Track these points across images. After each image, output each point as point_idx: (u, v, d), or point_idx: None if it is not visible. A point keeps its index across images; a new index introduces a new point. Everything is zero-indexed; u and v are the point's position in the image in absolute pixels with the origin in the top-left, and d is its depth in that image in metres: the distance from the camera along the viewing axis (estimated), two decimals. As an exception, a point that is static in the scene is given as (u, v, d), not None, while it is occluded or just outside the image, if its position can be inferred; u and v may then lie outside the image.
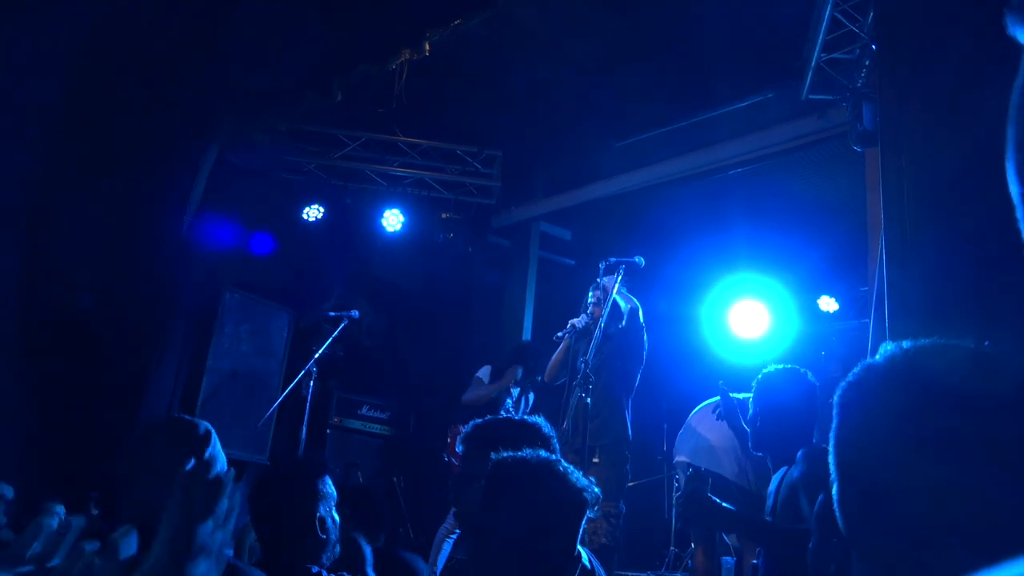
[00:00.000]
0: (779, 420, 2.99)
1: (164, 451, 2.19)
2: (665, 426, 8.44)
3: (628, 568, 6.05)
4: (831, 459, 1.04)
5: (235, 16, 5.52)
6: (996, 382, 0.92)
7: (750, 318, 7.29)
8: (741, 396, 4.97)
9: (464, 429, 2.42)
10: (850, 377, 1.05)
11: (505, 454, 1.80)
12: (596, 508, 1.75)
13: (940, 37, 2.68)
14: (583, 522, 1.72)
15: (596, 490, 1.76)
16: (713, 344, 7.54)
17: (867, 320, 7.32)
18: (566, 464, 1.77)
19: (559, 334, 5.40)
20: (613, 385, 5.02)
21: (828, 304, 8.72)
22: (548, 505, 1.70)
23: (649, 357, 8.32)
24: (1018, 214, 0.46)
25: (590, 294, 5.48)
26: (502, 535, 1.64)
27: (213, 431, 2.28)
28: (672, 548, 7.37)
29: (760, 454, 3.20)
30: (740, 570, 4.99)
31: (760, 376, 3.24)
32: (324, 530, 2.52)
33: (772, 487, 2.98)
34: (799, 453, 2.79)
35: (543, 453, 1.81)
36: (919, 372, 0.97)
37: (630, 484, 7.98)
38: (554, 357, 5.58)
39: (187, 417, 2.34)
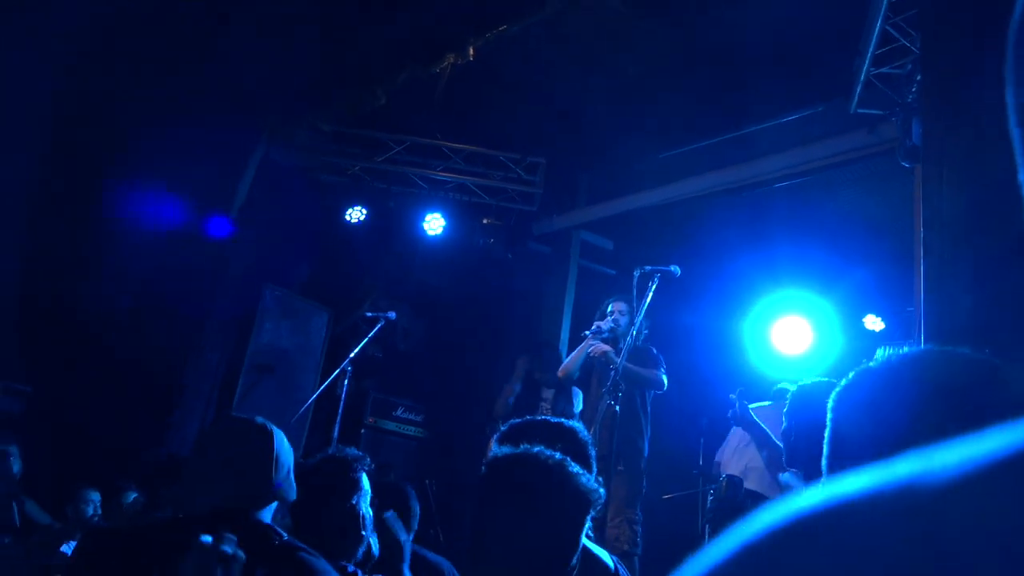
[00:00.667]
0: (814, 435, 2.91)
1: (244, 448, 2.26)
2: (702, 440, 8.34)
3: (658, 582, 5.98)
4: (825, 455, 1.02)
5: (283, 15, 5.59)
6: (997, 387, 0.89)
7: (793, 335, 7.18)
8: (754, 406, 4.94)
9: (501, 428, 2.41)
10: (847, 380, 1.02)
11: (501, 451, 1.77)
12: (597, 508, 1.72)
13: (983, 54, 2.61)
14: (587, 521, 1.69)
15: (601, 490, 1.73)
16: (755, 360, 7.43)
17: (913, 340, 7.18)
18: (568, 460, 1.73)
19: (585, 332, 5.58)
20: (635, 396, 5.07)
21: (874, 323, 8.56)
22: (552, 503, 1.67)
23: (688, 372, 8.26)
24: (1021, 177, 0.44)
25: (611, 304, 5.68)
26: (502, 534, 1.62)
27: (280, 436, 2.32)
28: (704, 564, 7.28)
29: (793, 470, 3.13)
30: None
31: (796, 389, 3.16)
32: (362, 526, 2.53)
33: None
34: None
35: (541, 449, 1.76)
36: (918, 373, 0.95)
37: (665, 497, 7.96)
38: (573, 354, 5.75)
39: (259, 419, 2.38)
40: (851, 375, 1.04)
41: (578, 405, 6.24)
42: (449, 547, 6.40)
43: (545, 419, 2.71)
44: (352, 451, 2.65)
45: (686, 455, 8.43)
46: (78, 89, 5.66)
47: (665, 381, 5.42)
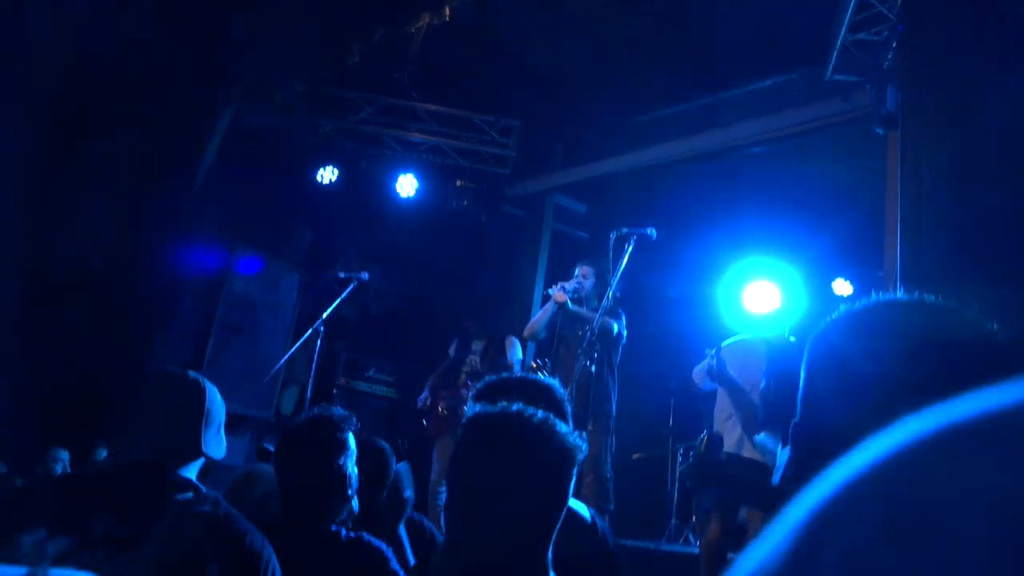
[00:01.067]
0: (794, 394, 2.90)
1: (173, 401, 2.24)
2: (672, 401, 8.47)
3: (630, 538, 6.08)
4: (800, 389, 1.04)
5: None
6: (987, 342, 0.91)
7: (764, 298, 7.25)
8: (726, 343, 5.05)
9: (477, 386, 2.41)
10: (828, 321, 1.04)
11: (481, 408, 1.77)
12: (579, 464, 1.73)
13: (965, 21, 2.63)
14: (573, 476, 1.70)
15: (584, 446, 1.74)
16: (727, 322, 7.50)
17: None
18: (551, 417, 1.73)
19: (548, 291, 5.66)
20: (604, 356, 5.14)
21: (843, 287, 8.68)
22: (539, 461, 1.67)
23: (660, 334, 8.33)
24: None
25: (578, 268, 5.74)
26: (491, 495, 1.63)
27: (212, 389, 2.31)
28: (674, 520, 7.42)
29: (767, 431, 3.16)
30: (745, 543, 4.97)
31: (776, 346, 3.18)
32: (348, 486, 2.53)
33: (782, 459, 2.90)
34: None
35: (522, 406, 1.75)
36: (901, 321, 0.96)
37: (635, 457, 8.07)
38: (538, 315, 5.81)
39: (193, 374, 2.36)
40: (828, 319, 1.05)
41: (516, 354, 6.23)
42: (420, 506, 6.45)
43: (522, 376, 2.72)
44: (338, 411, 2.63)
45: (656, 416, 8.55)
46: (54, 44, 5.52)
47: (624, 334, 5.50)
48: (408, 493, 3.01)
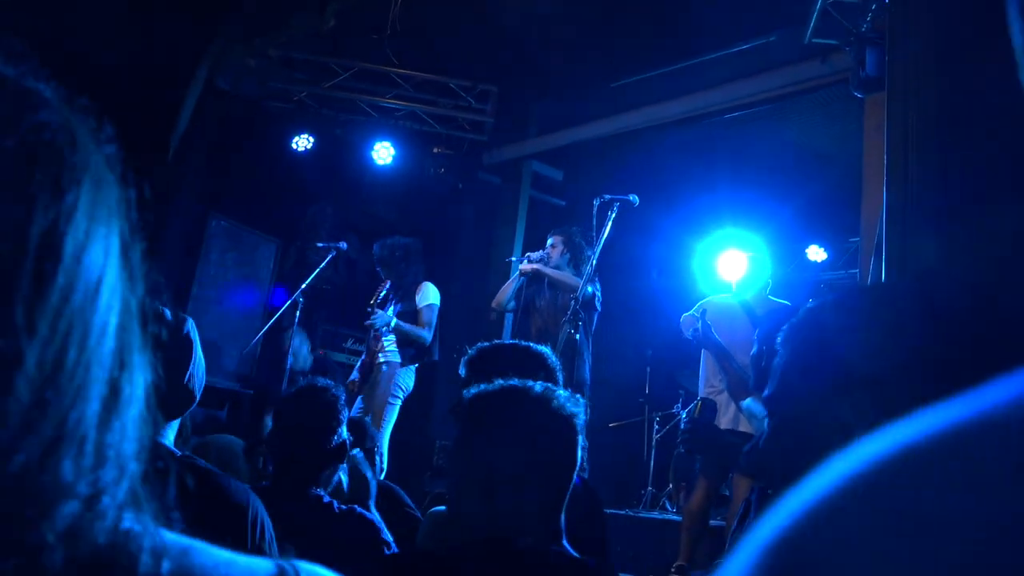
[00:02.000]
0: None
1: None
2: (648, 369, 8.54)
3: (607, 507, 6.13)
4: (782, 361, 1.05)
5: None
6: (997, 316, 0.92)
7: (738, 265, 7.29)
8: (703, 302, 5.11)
9: (469, 352, 2.42)
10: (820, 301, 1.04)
11: (480, 387, 1.77)
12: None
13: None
14: (579, 440, 1.73)
15: (583, 407, 1.76)
16: (703, 289, 7.54)
17: (855, 270, 7.35)
18: (551, 387, 1.75)
19: (511, 259, 5.74)
20: (586, 326, 5.17)
21: (817, 253, 8.76)
22: (548, 432, 1.69)
23: (635, 303, 8.37)
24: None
25: (550, 240, 5.76)
26: (507, 472, 1.64)
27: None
28: (649, 488, 7.50)
29: (754, 396, 3.18)
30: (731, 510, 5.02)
31: (768, 311, 3.19)
32: (339, 455, 2.53)
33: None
34: None
35: (518, 381, 1.77)
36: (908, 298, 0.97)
37: (611, 425, 8.13)
38: (505, 285, 5.79)
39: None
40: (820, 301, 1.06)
41: (425, 300, 5.95)
42: (400, 476, 6.46)
43: (513, 343, 2.72)
44: (326, 381, 2.63)
45: (631, 384, 8.61)
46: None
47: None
48: (369, 474, 3.01)
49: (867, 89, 4.90)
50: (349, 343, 7.66)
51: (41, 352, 0.48)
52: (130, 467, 0.54)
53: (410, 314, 5.84)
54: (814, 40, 5.38)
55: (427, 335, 5.76)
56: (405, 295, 5.99)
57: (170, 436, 2.03)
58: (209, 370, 6.83)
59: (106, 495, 0.51)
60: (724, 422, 4.61)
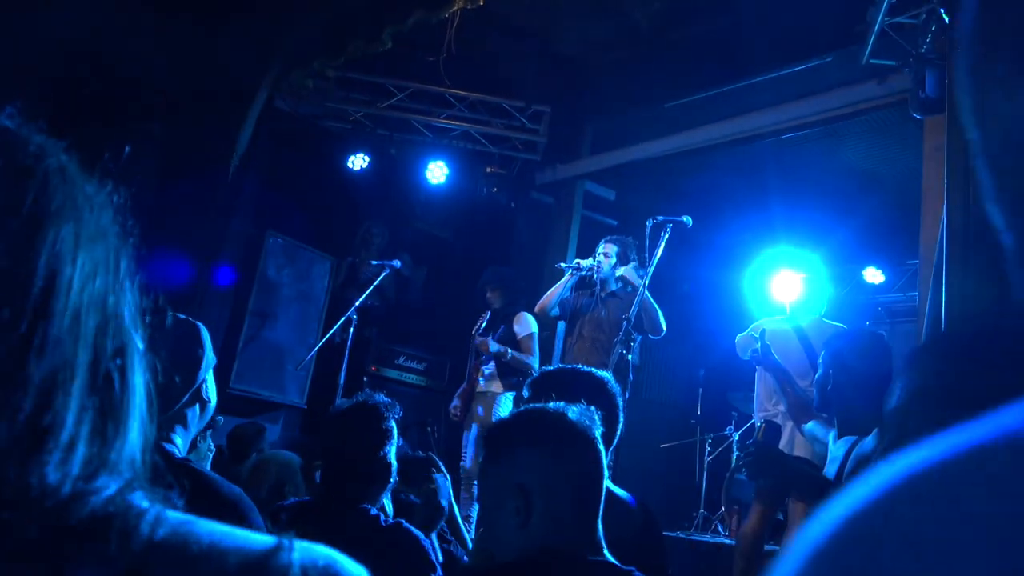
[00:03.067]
0: (853, 383, 2.86)
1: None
2: (700, 391, 8.46)
3: (658, 529, 6.08)
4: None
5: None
6: None
7: (792, 287, 7.21)
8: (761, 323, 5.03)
9: (533, 375, 2.45)
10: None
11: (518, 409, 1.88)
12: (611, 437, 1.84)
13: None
14: (601, 455, 1.78)
15: (598, 419, 1.82)
16: (755, 312, 7.47)
17: (914, 293, 7.22)
18: (563, 406, 1.81)
19: (562, 265, 5.68)
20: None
21: (874, 276, 8.62)
22: (565, 453, 1.76)
23: (688, 324, 8.31)
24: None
25: (601, 244, 5.70)
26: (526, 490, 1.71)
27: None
28: (701, 511, 7.42)
29: (816, 420, 3.14)
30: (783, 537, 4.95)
31: (836, 335, 3.15)
32: (390, 475, 2.56)
33: (838, 452, 2.87)
34: (875, 431, 2.66)
35: (538, 406, 1.86)
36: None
37: (663, 446, 8.07)
38: (552, 289, 5.75)
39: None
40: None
41: (526, 329, 6.07)
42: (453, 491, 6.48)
43: (575, 368, 2.74)
44: (382, 398, 2.66)
45: (685, 406, 8.55)
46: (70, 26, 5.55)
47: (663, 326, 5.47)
48: (444, 503, 3.03)
49: (926, 111, 4.82)
50: (401, 360, 7.73)
51: (40, 358, 0.55)
52: (127, 462, 0.60)
53: (509, 342, 5.91)
54: (872, 61, 5.33)
55: (535, 363, 5.80)
56: (505, 323, 6.09)
57: (179, 441, 2.04)
58: (265, 385, 6.94)
59: (101, 479, 0.57)
60: (779, 445, 4.55)
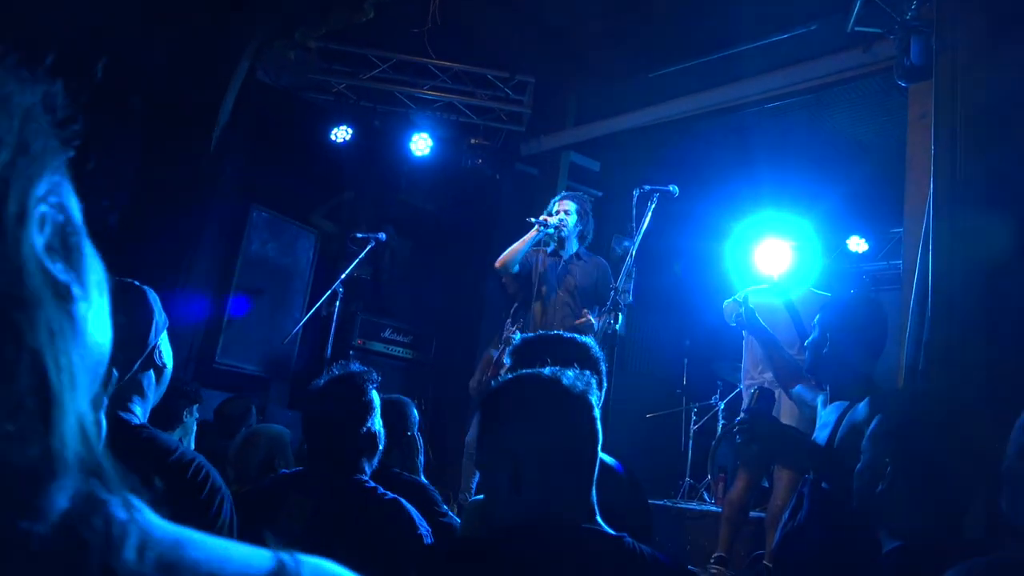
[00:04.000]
0: (850, 349, 2.85)
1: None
2: (685, 361, 8.50)
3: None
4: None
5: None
6: None
7: (776, 256, 7.22)
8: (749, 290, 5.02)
9: (514, 342, 2.43)
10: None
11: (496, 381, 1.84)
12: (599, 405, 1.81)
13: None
14: (595, 417, 1.75)
15: (594, 382, 1.80)
16: (737, 281, 7.48)
17: (898, 261, 7.25)
18: (557, 371, 1.78)
19: (531, 219, 5.37)
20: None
21: (858, 244, 8.66)
22: (559, 416, 1.73)
23: (672, 293, 8.33)
24: None
25: (558, 201, 5.51)
26: (524, 455, 1.68)
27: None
28: (688, 479, 7.48)
29: (802, 384, 3.16)
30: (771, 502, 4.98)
31: (834, 300, 3.16)
32: (378, 444, 2.55)
33: (830, 417, 2.88)
34: (867, 399, 2.66)
35: (529, 371, 1.83)
36: None
37: (649, 416, 8.11)
38: (516, 244, 5.45)
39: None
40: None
41: None
42: (439, 465, 6.50)
43: (558, 334, 2.72)
44: (358, 367, 2.62)
45: (669, 375, 8.59)
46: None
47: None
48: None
49: (911, 78, 4.82)
50: (387, 333, 7.72)
51: None
52: (76, 432, 0.49)
53: None
54: (857, 28, 5.31)
55: None
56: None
57: (138, 411, 1.96)
58: (251, 360, 6.89)
59: (63, 461, 0.47)
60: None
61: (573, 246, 5.47)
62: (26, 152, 0.50)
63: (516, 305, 5.49)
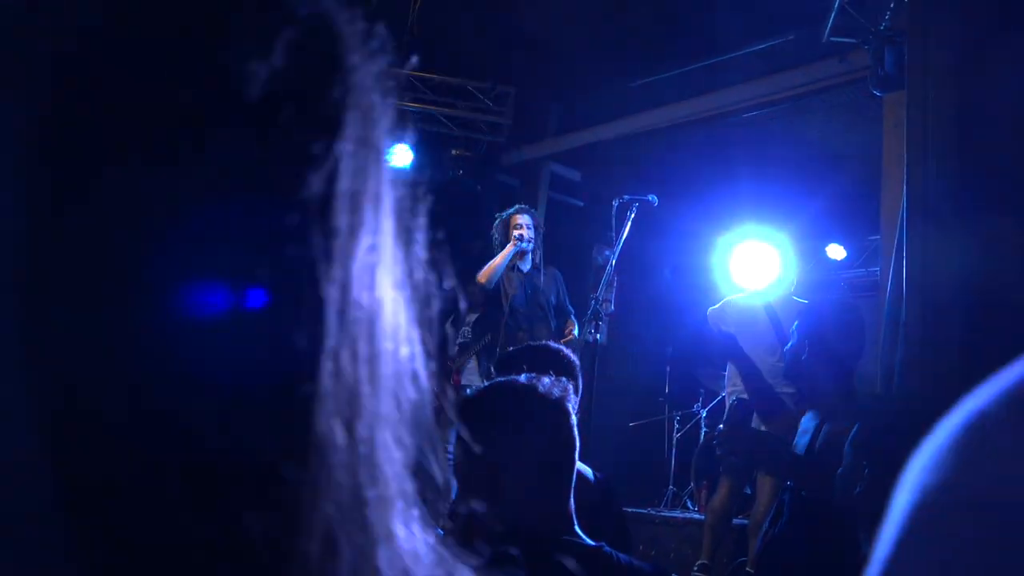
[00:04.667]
0: (828, 355, 2.85)
1: None
2: (668, 369, 8.51)
3: (627, 505, 6.13)
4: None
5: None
6: None
7: (757, 265, 7.25)
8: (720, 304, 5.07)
9: (500, 356, 2.46)
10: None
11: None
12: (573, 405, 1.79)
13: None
14: (571, 423, 1.75)
15: (570, 386, 1.79)
16: (721, 290, 7.51)
17: (875, 268, 7.30)
18: (532, 377, 1.78)
19: (516, 235, 5.59)
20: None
21: (836, 252, 8.72)
22: (533, 424, 1.72)
23: (654, 301, 8.36)
24: None
25: (519, 216, 5.73)
26: (501, 465, 1.67)
27: None
28: (671, 487, 7.48)
29: (791, 382, 3.16)
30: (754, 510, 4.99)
31: (814, 306, 3.17)
32: None
33: (809, 424, 2.87)
34: (847, 406, 2.66)
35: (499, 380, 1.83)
36: None
37: (632, 424, 8.12)
38: (497, 260, 5.63)
39: None
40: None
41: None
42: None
43: (539, 345, 2.76)
44: None
45: (652, 384, 8.60)
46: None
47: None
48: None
49: (886, 87, 4.88)
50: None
51: None
52: None
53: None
54: (832, 39, 5.37)
55: None
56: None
57: None
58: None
59: None
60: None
61: (530, 260, 5.66)
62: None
63: (477, 316, 5.61)
